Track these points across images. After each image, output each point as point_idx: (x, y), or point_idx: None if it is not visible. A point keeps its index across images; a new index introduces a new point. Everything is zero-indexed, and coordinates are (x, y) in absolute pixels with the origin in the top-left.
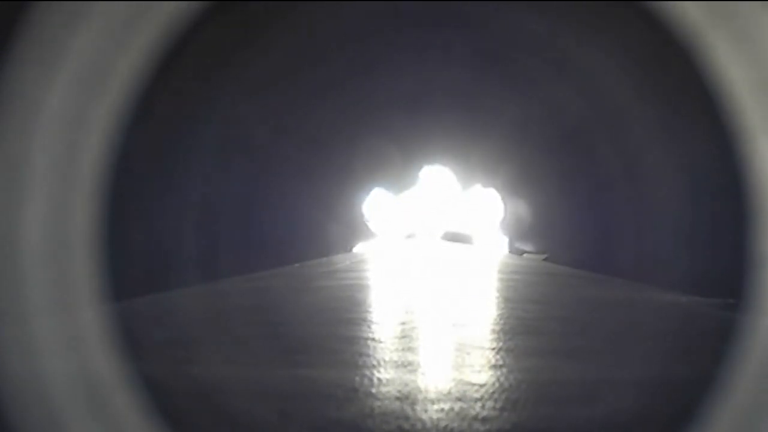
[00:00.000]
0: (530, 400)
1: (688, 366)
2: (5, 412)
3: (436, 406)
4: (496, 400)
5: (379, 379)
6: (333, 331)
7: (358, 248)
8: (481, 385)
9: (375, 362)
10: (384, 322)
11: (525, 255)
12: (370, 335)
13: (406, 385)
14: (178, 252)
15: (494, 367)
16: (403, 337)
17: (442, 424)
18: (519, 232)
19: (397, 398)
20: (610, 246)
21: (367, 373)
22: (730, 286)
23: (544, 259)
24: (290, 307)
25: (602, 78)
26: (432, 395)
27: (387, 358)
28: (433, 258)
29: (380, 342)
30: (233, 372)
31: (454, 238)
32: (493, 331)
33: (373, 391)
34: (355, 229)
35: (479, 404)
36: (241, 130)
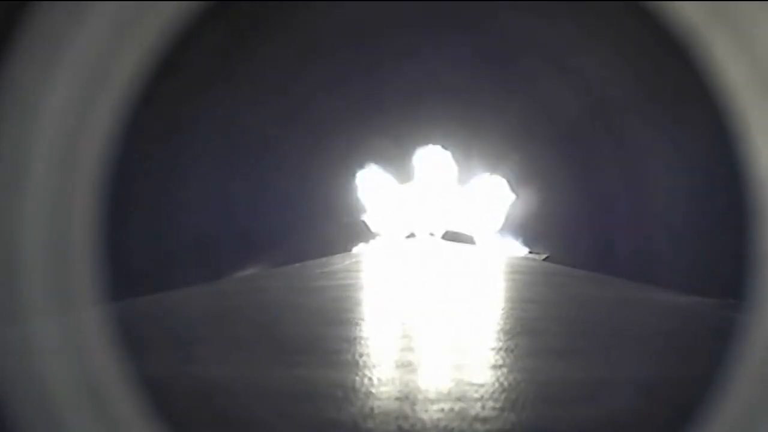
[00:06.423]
0: (530, 400)
1: (688, 366)
2: (5, 412)
3: (436, 406)
4: (496, 400)
5: (379, 379)
6: (333, 331)
7: (358, 248)
8: (481, 385)
9: (375, 362)
10: (383, 322)
11: (525, 255)
12: (370, 335)
13: (406, 385)
14: (178, 252)
15: (494, 367)
16: (403, 336)
17: (442, 424)
18: (519, 233)
19: (397, 398)
20: (610, 246)
21: (367, 373)
22: (730, 286)
23: (544, 259)
24: (290, 307)
25: (601, 79)
26: (432, 395)
27: (387, 358)
28: (434, 258)
29: (380, 342)
30: (233, 372)
31: (454, 238)
32: (494, 330)
33: (373, 391)
34: (355, 230)
35: (479, 404)
36: (241, 129)
